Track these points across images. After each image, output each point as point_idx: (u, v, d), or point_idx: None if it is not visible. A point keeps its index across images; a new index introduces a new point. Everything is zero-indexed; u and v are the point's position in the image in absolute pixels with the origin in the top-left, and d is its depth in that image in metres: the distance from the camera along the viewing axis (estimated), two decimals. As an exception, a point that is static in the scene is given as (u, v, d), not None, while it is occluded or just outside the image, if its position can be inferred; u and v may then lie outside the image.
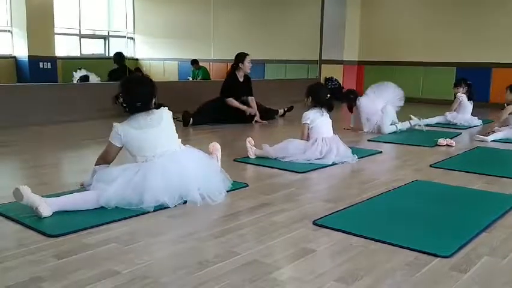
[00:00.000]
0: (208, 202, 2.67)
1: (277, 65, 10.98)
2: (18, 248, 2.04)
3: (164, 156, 2.70)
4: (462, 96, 6.44)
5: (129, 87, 2.78)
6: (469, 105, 6.46)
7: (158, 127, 2.76)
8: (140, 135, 2.72)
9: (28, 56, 10.38)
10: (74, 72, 8.82)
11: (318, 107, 3.98)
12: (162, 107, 2.83)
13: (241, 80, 6.33)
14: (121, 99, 2.74)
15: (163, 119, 2.80)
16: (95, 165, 2.81)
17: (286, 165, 3.68)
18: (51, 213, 2.37)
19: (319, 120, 3.93)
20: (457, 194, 3.10)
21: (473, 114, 6.49)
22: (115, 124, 2.78)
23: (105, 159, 2.82)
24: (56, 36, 10.72)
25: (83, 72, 8.77)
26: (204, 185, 2.72)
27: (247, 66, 6.26)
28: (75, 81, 8.54)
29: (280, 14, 10.85)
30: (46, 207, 2.36)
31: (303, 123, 3.97)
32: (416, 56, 9.39)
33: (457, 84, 6.62)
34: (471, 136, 5.50)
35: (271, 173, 3.49)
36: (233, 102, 6.18)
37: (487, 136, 5.09)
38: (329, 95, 4.03)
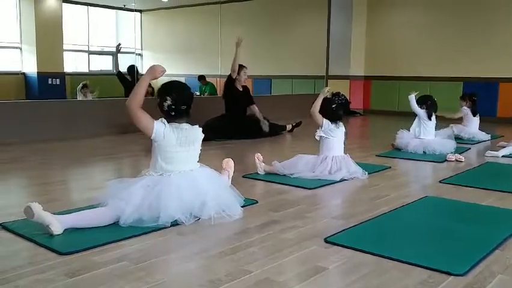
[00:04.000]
0: (225, 218, 2.66)
1: (283, 81, 11.02)
2: (29, 266, 2.03)
3: (181, 173, 2.70)
4: (467, 110, 6.49)
5: (179, 89, 2.78)
6: (474, 119, 6.48)
7: (192, 147, 2.78)
8: (176, 148, 2.70)
9: (37, 72, 10.48)
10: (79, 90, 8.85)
11: (333, 123, 3.94)
12: (198, 127, 2.85)
13: (240, 89, 6.43)
14: (170, 102, 2.70)
15: (197, 139, 2.82)
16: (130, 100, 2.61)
17: (296, 181, 3.66)
18: (62, 231, 2.37)
19: (333, 134, 3.90)
20: (468, 210, 3.07)
21: (480, 129, 6.49)
22: (164, 120, 2.71)
23: (138, 116, 2.61)
24: (64, 52, 10.84)
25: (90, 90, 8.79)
26: (218, 202, 2.70)
27: (242, 77, 6.41)
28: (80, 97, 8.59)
29: (287, 31, 10.93)
30: (57, 224, 2.36)
31: (320, 116, 3.92)
32: (422, 71, 9.39)
33: (461, 98, 6.72)
34: (480, 151, 5.47)
35: (280, 189, 3.48)
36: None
37: (497, 152, 5.07)
38: (334, 106, 3.96)
